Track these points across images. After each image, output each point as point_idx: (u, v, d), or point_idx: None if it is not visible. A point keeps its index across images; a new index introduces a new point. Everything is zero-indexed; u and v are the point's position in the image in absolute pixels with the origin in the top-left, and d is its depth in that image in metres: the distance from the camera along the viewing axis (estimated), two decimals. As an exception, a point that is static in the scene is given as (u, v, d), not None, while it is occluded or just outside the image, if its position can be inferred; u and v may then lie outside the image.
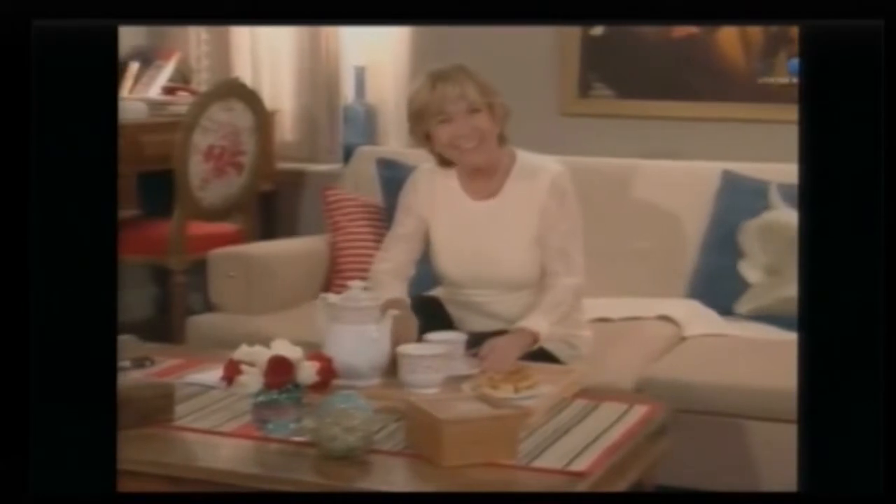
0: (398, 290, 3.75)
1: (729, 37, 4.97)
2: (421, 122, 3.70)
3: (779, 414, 3.61)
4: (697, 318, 4.33)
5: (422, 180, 3.87)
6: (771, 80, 4.91)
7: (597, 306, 4.23)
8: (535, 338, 3.57)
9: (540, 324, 3.58)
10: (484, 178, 3.78)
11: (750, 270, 4.38)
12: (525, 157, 3.80)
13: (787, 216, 4.31)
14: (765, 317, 4.26)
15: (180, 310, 5.16)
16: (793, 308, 4.13)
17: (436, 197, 3.83)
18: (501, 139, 3.76)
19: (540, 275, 3.73)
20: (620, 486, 2.97)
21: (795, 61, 4.69)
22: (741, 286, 4.38)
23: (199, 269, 4.83)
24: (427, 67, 3.77)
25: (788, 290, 4.23)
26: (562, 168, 3.79)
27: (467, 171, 3.79)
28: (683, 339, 4.22)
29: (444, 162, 3.80)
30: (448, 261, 3.80)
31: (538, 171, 3.75)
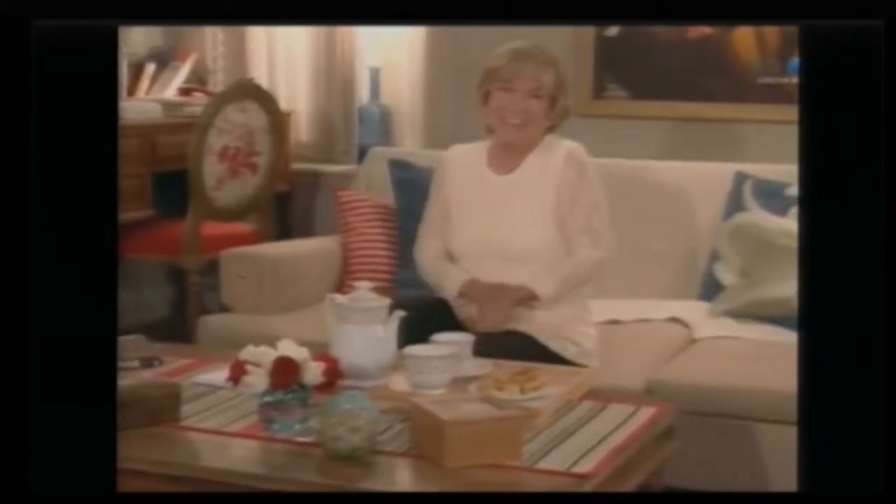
0: (458, 271, 3.86)
1: (744, 38, 4.96)
2: (487, 81, 3.85)
3: (789, 416, 3.57)
4: (708, 320, 4.32)
5: (450, 162, 4.00)
6: (771, 80, 4.91)
7: (607, 308, 4.23)
8: (531, 295, 3.68)
9: (545, 285, 3.70)
10: (511, 154, 3.89)
11: (725, 273, 4.37)
12: (549, 137, 3.91)
13: (757, 218, 4.31)
14: (768, 319, 4.24)
15: (195, 310, 5.17)
16: (765, 310, 4.20)
17: (461, 174, 3.94)
18: (550, 130, 3.90)
19: (551, 250, 3.79)
20: (626, 487, 2.96)
21: (795, 61, 4.68)
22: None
23: (214, 270, 4.84)
24: (517, 43, 3.88)
25: (760, 291, 4.23)
26: (577, 144, 3.89)
27: (499, 145, 3.90)
28: (694, 341, 4.21)
29: (491, 129, 3.92)
30: (462, 231, 3.89)
31: (556, 145, 3.87)
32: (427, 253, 3.96)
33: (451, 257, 3.92)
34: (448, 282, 3.83)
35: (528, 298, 3.70)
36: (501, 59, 3.83)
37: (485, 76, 3.87)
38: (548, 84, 3.80)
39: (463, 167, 3.95)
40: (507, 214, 3.81)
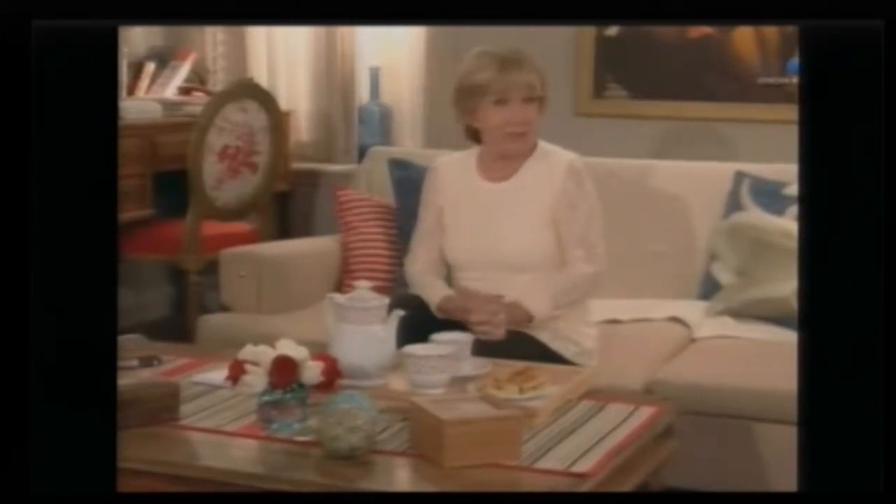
0: (440, 286, 3.82)
1: (744, 38, 4.96)
2: (473, 98, 3.76)
3: (789, 416, 3.56)
4: (707, 319, 4.32)
5: (439, 172, 3.96)
6: (771, 80, 4.92)
7: (606, 307, 4.22)
8: (528, 317, 3.66)
9: (540, 305, 3.66)
10: (505, 162, 3.84)
11: (722, 272, 4.37)
12: (543, 144, 3.86)
13: (755, 217, 4.31)
14: (765, 318, 4.24)
15: (195, 310, 5.17)
16: (761, 309, 4.20)
17: (452, 184, 3.90)
18: None
19: (546, 258, 3.76)
20: (625, 487, 2.96)
21: (795, 61, 4.68)
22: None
23: (215, 269, 4.84)
24: (484, 48, 3.79)
25: (756, 291, 4.23)
26: (575, 154, 3.85)
27: (492, 155, 3.84)
28: (693, 340, 4.21)
29: (471, 135, 3.87)
30: (456, 241, 3.86)
31: (555, 155, 3.82)
32: (417, 265, 3.93)
33: (447, 268, 3.91)
34: (428, 296, 3.81)
35: (523, 320, 3.68)
36: (487, 71, 3.71)
37: (469, 93, 3.75)
38: (538, 87, 3.74)
39: (454, 177, 3.91)
40: (502, 223, 3.78)
